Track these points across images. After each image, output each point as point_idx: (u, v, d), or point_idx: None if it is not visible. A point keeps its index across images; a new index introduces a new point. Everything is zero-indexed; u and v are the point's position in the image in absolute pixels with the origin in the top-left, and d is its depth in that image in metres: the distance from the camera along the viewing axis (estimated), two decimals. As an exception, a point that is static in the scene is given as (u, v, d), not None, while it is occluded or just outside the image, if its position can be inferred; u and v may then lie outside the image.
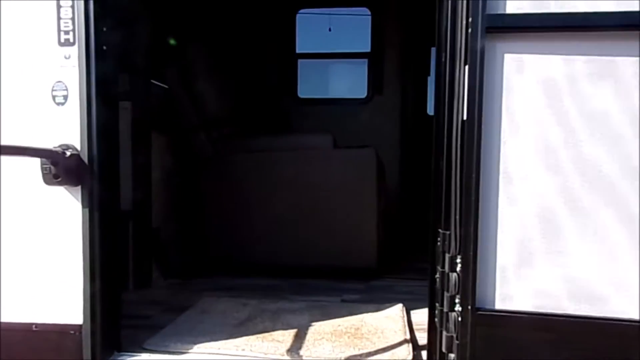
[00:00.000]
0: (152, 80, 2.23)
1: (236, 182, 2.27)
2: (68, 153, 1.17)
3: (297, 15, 4.15)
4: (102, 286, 1.24)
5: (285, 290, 2.09)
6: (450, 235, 1.07)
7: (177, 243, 2.50)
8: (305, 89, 4.22)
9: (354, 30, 4.25)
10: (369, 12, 4.08)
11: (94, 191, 1.21)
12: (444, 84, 1.10)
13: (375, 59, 4.07)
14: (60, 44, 1.20)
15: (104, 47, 1.21)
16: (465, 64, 1.01)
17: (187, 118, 2.31)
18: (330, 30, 4.17)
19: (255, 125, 2.79)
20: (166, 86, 2.34)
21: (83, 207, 1.21)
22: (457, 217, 1.04)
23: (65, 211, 1.22)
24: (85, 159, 1.20)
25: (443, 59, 1.12)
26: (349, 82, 4.37)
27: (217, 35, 3.26)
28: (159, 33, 2.32)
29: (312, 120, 4.07)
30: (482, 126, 0.98)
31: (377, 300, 1.94)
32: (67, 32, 1.19)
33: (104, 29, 1.21)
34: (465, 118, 1.01)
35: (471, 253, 1.00)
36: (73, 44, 1.19)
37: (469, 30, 0.98)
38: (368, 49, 4.10)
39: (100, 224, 1.23)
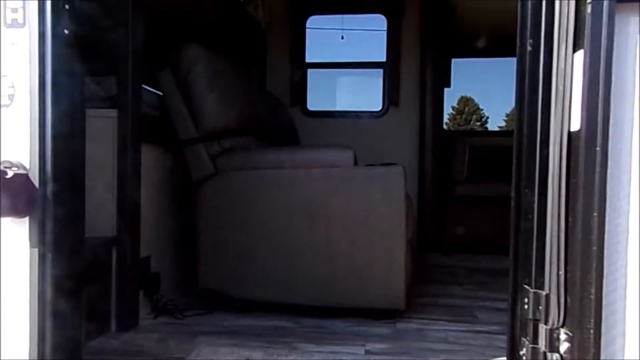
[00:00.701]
0: (144, 86, 1.92)
1: (239, 203, 1.94)
2: (10, 173, 0.85)
3: (308, 22, 3.88)
4: (56, 353, 0.91)
5: (297, 335, 1.74)
6: (549, 297, 0.74)
7: (170, 274, 2.16)
8: (316, 101, 3.93)
9: (369, 39, 3.97)
10: (385, 20, 3.81)
11: (46, 224, 0.89)
12: (534, 83, 0.78)
13: (391, 69, 3.78)
14: (7, 25, 0.89)
15: (66, 32, 0.90)
16: (575, 50, 0.69)
17: (184, 129, 2.00)
18: (343, 38, 3.89)
19: (261, 139, 2.48)
20: (160, 93, 2.03)
21: (31, 246, 0.89)
22: (562, 272, 0.70)
23: (6, 251, 0.89)
24: (36, 181, 0.88)
25: (529, 48, 0.80)
26: (362, 94, 4.07)
27: (220, 40, 2.98)
28: (153, 32, 2.02)
29: (322, 135, 3.76)
30: (609, 140, 0.66)
31: (409, 352, 1.60)
32: (14, 10, 0.88)
33: (66, 7, 0.90)
34: (576, 128, 0.69)
35: (591, 329, 0.66)
36: (23, 25, 0.88)
37: (588, -2, 0.66)
38: (383, 59, 3.82)
39: (54, 268, 0.90)
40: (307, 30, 3.88)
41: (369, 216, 1.84)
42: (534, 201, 0.77)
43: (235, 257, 1.94)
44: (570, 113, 0.70)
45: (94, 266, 1.66)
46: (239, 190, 1.94)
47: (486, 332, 1.82)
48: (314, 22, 3.90)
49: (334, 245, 1.86)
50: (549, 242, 0.74)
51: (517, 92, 0.83)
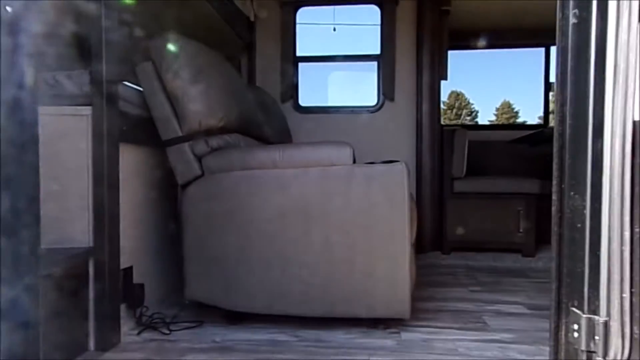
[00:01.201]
0: (123, 81, 1.76)
1: (228, 207, 1.79)
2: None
3: (298, 15, 3.73)
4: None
5: (295, 350, 1.60)
6: (608, 325, 0.60)
7: (157, 284, 2.01)
8: (308, 96, 3.78)
9: (362, 31, 3.82)
10: (379, 11, 3.66)
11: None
12: (582, 62, 0.63)
13: (385, 62, 3.64)
14: None
15: (8, 9, 0.74)
16: (641, 19, 0.55)
17: (167, 127, 1.83)
18: (335, 30, 3.74)
19: (252, 137, 2.32)
20: (141, 88, 1.86)
21: (-28, 272, 0.73)
22: (627, 295, 0.57)
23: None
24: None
25: (574, 20, 0.65)
26: (357, 89, 3.93)
27: (206, 32, 2.81)
28: (132, 22, 1.86)
29: (315, 131, 3.62)
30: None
31: (417, 368, 1.46)
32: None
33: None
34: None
35: (671, 370, 0.52)
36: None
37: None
38: (377, 51, 3.67)
39: (2, 299, 0.74)
40: (298, 24, 3.73)
41: (369, 218, 1.70)
42: (584, 207, 0.63)
43: (225, 265, 1.79)
44: (635, 98, 0.56)
45: (67, 280, 1.49)
46: (228, 192, 1.78)
47: (499, 341, 1.68)
48: (304, 15, 3.75)
49: (332, 251, 1.72)
50: (606, 257, 0.60)
51: (558, 74, 0.68)
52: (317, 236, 1.72)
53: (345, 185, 1.71)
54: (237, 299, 1.78)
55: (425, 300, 2.24)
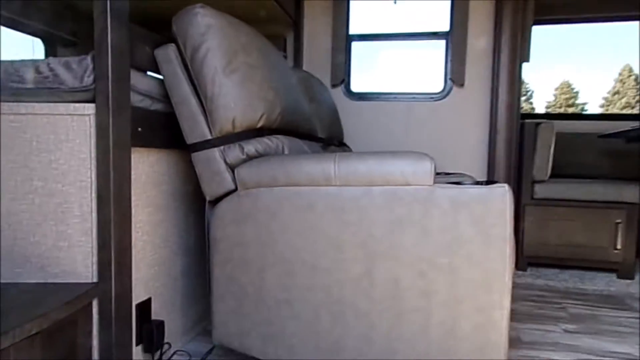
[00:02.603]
0: (134, 68, 1.39)
1: (268, 232, 1.40)
2: None
3: (353, -15, 3.23)
4: None
5: None
6: None
7: (182, 317, 1.67)
8: (361, 80, 3.31)
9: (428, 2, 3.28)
10: (449, -21, 3.10)
11: None
12: None
13: (455, 41, 3.09)
14: None
15: None
16: None
17: (193, 128, 1.45)
18: (395, 2, 3.22)
19: (298, 136, 1.91)
20: (161, 76, 1.48)
21: None
22: None
23: None
24: None
25: None
26: (419, 71, 3.41)
27: (247, 4, 2.40)
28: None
29: (369, 122, 3.17)
30: None
31: None
32: None
33: None
34: None
35: None
36: None
37: None
38: (446, 28, 3.13)
39: None
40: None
41: (454, 258, 1.25)
42: None
43: (262, 306, 1.41)
44: None
45: (62, 329, 1.16)
46: (267, 214, 1.39)
47: None
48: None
49: (401, 297, 1.29)
50: None
51: None
52: (381, 277, 1.30)
53: (422, 212, 1.26)
54: (275, 349, 1.41)
55: (512, 343, 1.78)
